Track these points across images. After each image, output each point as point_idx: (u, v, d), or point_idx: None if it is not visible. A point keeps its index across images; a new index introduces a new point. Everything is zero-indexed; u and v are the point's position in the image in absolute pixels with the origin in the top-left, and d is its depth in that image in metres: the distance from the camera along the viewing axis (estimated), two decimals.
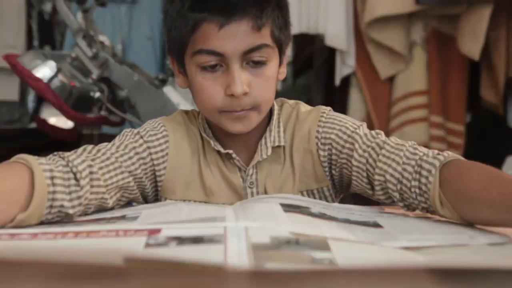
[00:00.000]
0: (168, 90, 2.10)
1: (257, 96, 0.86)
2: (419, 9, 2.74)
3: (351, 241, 0.64)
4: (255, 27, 0.83)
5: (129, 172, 0.86)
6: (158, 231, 0.63)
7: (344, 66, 2.94)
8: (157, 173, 0.91)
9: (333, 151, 0.92)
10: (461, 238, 0.68)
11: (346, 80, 3.00)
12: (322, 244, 0.60)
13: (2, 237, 0.64)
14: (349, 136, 0.90)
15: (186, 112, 0.99)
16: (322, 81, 3.53)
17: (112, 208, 0.85)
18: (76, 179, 0.78)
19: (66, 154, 0.81)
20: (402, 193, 0.82)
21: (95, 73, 2.03)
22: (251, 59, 0.85)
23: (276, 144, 0.93)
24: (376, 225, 0.74)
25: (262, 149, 0.92)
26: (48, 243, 0.62)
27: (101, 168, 0.82)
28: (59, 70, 1.95)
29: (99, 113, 2.05)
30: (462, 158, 0.79)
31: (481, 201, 0.71)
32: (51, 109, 2.78)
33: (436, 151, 0.81)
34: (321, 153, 0.93)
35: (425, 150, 0.83)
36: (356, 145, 0.88)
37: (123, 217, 0.75)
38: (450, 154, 0.79)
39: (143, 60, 2.73)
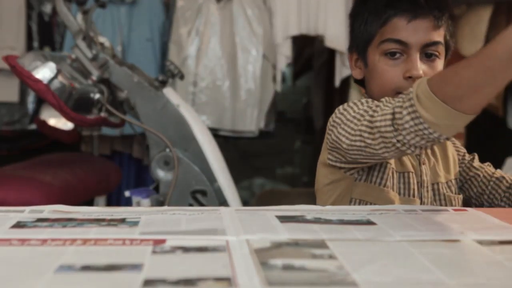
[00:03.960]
0: (168, 91, 2.10)
1: None
2: None
3: (347, 239, 0.69)
4: (435, 26, 1.04)
5: None
6: (163, 241, 0.66)
7: (344, 68, 2.94)
8: None
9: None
10: (452, 234, 0.72)
11: (346, 82, 3.00)
12: (320, 244, 0.66)
13: (13, 242, 0.66)
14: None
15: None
16: (322, 82, 3.53)
17: None
18: None
19: None
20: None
21: (95, 75, 2.03)
22: (427, 52, 1.05)
23: None
24: (369, 222, 0.78)
25: None
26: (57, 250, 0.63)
27: None
28: (59, 72, 1.95)
29: (99, 115, 2.05)
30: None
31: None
32: (50, 110, 2.78)
33: None
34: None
35: None
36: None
37: (123, 220, 0.77)
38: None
39: (143, 62, 2.73)
